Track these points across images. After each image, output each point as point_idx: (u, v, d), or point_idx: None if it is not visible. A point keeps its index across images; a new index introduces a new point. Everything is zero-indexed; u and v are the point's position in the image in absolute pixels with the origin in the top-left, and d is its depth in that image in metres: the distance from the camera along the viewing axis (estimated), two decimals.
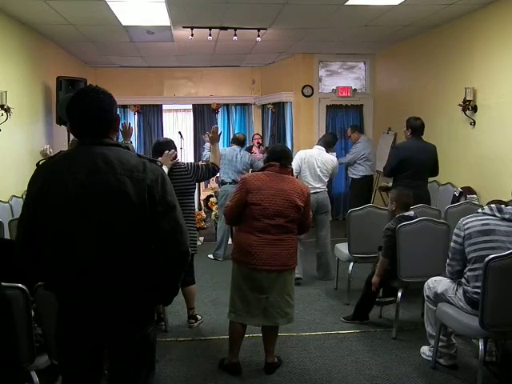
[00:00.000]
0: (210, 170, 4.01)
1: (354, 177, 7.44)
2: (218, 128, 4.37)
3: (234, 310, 3.29)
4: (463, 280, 3.08)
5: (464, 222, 3.07)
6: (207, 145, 5.97)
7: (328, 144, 5.56)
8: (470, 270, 3.01)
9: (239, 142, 6.40)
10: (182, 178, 3.83)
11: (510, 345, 3.36)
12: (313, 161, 5.38)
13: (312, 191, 5.31)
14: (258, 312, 3.22)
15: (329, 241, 5.44)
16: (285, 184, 3.21)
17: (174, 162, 3.87)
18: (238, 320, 3.30)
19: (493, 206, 3.05)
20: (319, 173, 5.37)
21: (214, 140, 4.19)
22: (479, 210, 3.13)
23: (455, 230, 3.13)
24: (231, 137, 9.62)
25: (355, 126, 7.81)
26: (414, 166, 4.93)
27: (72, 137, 4.08)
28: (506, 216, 2.99)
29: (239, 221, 3.27)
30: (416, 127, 5.10)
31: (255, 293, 3.20)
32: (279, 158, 3.29)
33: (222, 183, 6.39)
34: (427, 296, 3.42)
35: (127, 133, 4.41)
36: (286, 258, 3.21)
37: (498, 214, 3.01)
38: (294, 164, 5.27)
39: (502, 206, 3.07)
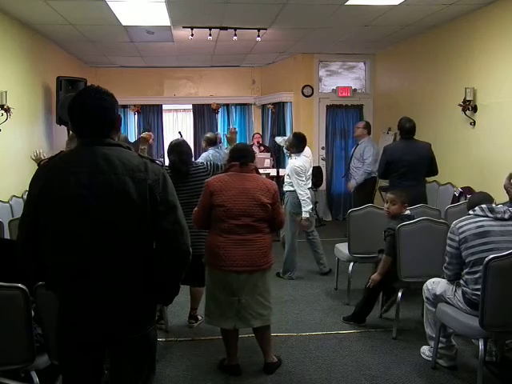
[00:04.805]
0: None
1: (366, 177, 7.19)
2: (235, 129, 4.58)
3: (207, 313, 3.28)
4: (462, 281, 3.08)
5: (458, 226, 3.04)
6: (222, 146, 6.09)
7: (296, 148, 5.25)
8: (468, 273, 3.00)
9: (212, 142, 6.01)
10: (202, 178, 3.77)
11: (510, 345, 3.37)
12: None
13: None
14: (231, 314, 3.18)
15: (316, 236, 5.51)
16: (247, 183, 3.19)
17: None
18: (213, 324, 3.30)
19: (483, 206, 3.03)
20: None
21: (232, 141, 4.28)
22: (470, 212, 3.10)
23: (449, 235, 3.11)
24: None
25: (368, 124, 7.38)
26: (403, 166, 4.94)
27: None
28: (499, 215, 2.98)
29: (208, 224, 3.25)
30: (404, 129, 5.10)
31: (226, 295, 3.16)
32: (239, 157, 3.29)
33: None
34: (426, 297, 3.42)
35: (145, 140, 4.73)
36: (256, 258, 3.16)
37: (490, 215, 3.00)
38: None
39: (493, 205, 3.07)
